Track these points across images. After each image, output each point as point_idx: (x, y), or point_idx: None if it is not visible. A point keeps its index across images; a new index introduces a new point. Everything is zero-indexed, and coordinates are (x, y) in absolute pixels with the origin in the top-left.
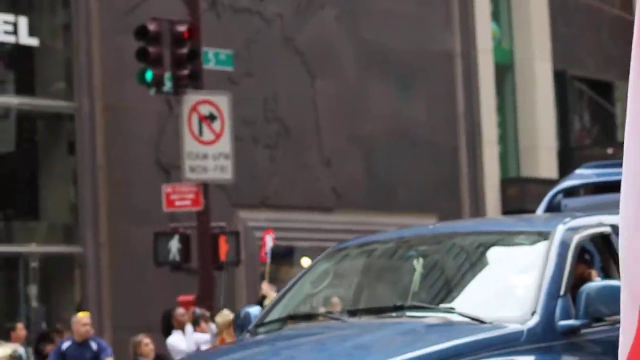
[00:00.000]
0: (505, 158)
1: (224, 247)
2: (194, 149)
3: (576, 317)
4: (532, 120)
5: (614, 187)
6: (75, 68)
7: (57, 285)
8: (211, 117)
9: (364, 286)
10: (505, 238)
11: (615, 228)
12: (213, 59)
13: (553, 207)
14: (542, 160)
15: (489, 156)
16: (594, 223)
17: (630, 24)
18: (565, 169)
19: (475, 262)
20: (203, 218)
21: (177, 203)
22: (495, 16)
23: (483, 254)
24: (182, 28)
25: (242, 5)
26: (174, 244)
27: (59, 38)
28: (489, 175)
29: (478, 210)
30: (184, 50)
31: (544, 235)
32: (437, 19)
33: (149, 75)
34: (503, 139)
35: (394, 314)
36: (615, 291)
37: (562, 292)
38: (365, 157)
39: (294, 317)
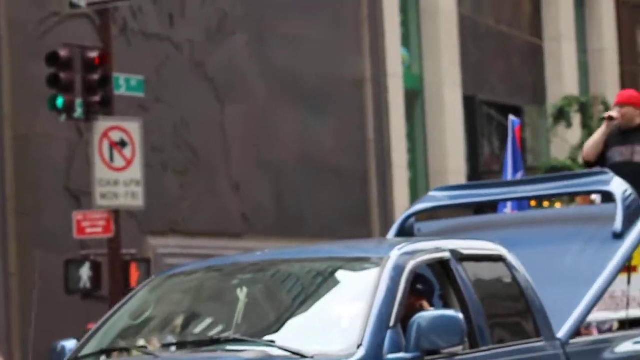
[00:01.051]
0: (415, 183)
1: (135, 274)
2: (104, 176)
3: (406, 350)
4: (441, 145)
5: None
6: None
7: None
8: (122, 144)
9: (186, 317)
10: (336, 265)
11: (455, 253)
12: (124, 85)
13: (405, 232)
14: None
15: (399, 181)
16: (431, 248)
17: (540, 49)
18: None
19: (302, 291)
20: (114, 245)
21: (88, 230)
22: (405, 41)
23: (311, 282)
24: (93, 54)
25: (153, 31)
26: (85, 272)
27: None
28: (399, 200)
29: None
30: (95, 76)
31: (376, 262)
32: (346, 44)
33: (60, 101)
34: (413, 164)
35: (210, 348)
36: (451, 321)
37: (392, 323)
38: (275, 183)
39: (107, 352)
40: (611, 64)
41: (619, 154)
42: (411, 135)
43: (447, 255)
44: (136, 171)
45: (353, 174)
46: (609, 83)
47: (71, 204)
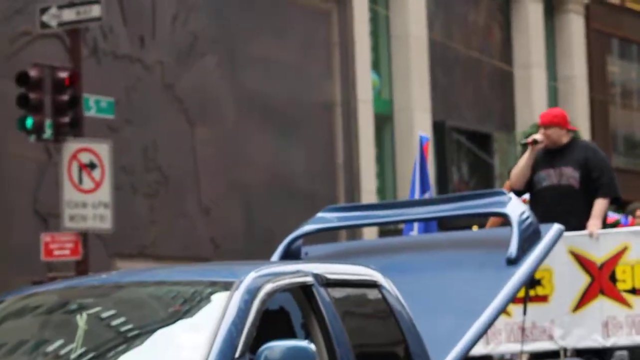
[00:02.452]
0: None
1: None
2: (73, 198)
3: None
4: (410, 171)
5: None
6: None
7: None
8: (91, 166)
9: (20, 347)
10: (185, 289)
11: (319, 278)
12: (94, 106)
13: (291, 254)
14: None
15: None
16: (292, 271)
17: (510, 76)
18: None
19: (144, 318)
20: (81, 268)
21: (56, 252)
22: (376, 66)
23: (155, 308)
24: (63, 74)
25: (123, 52)
26: None
27: None
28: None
29: None
30: (65, 97)
31: (227, 286)
32: (317, 68)
33: (29, 122)
34: (382, 189)
35: None
36: (301, 352)
37: (238, 354)
38: (244, 206)
39: None
40: (581, 92)
41: (546, 177)
42: (380, 160)
43: (309, 279)
44: (105, 193)
45: (322, 198)
46: (578, 110)
47: (39, 225)
